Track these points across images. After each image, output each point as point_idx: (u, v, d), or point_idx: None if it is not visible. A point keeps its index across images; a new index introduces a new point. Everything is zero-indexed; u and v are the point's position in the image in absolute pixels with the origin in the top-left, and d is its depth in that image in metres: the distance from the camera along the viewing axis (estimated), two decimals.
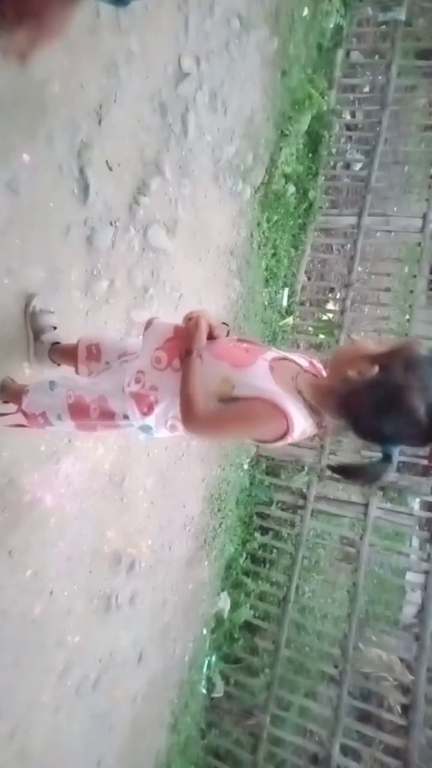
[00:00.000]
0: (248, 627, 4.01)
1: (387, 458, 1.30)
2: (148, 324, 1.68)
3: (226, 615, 3.89)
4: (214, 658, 3.88)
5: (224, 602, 3.89)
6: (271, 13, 3.57)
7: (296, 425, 1.32)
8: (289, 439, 1.35)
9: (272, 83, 3.73)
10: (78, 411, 1.67)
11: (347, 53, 4.61)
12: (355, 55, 4.73)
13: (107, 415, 1.61)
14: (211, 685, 3.83)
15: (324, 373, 1.47)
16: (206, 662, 3.82)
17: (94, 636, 2.72)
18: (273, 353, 1.48)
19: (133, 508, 2.89)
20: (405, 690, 3.79)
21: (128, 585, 2.92)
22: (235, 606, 3.93)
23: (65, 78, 2.17)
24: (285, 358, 1.47)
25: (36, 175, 2.10)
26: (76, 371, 1.91)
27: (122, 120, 2.47)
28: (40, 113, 2.09)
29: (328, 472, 4.02)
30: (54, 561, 2.40)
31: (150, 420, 1.55)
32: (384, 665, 4.29)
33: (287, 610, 3.95)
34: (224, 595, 3.91)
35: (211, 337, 1.53)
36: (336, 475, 1.42)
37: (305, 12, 3.97)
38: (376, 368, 1.26)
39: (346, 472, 1.43)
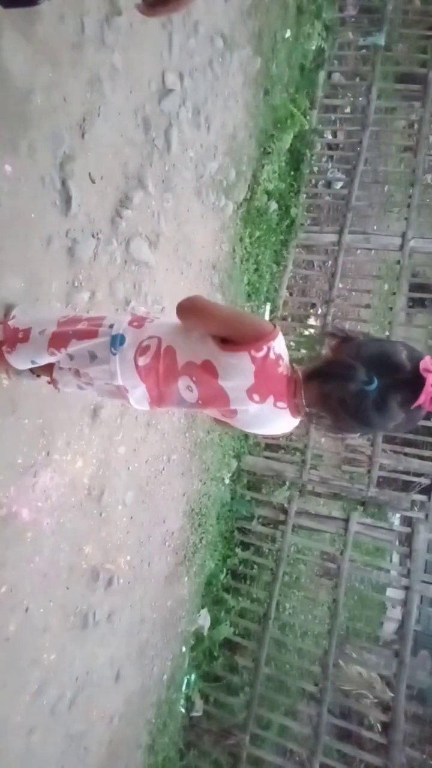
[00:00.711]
0: (228, 644, 3.97)
1: (367, 381, 1.18)
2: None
3: (205, 632, 3.84)
4: (193, 677, 3.82)
5: (204, 619, 3.84)
6: (254, 33, 3.63)
7: (279, 341, 1.32)
8: (267, 343, 1.30)
9: (255, 101, 3.79)
10: (65, 324, 1.63)
11: (329, 75, 4.71)
12: (337, 77, 4.84)
13: (94, 324, 1.57)
14: (189, 704, 3.77)
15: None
16: (185, 681, 3.76)
17: (70, 654, 2.66)
18: None
19: (112, 523, 2.85)
20: (385, 707, 3.77)
21: (106, 602, 2.87)
22: (215, 623, 3.88)
23: (48, 91, 2.17)
24: None
25: (18, 186, 2.09)
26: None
27: (106, 134, 2.48)
28: (22, 125, 2.08)
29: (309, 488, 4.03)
30: (30, 577, 2.35)
31: (130, 332, 1.50)
32: (364, 682, 4.26)
33: (268, 627, 3.91)
34: (204, 612, 3.87)
35: None
36: (311, 379, 1.30)
37: (288, 34, 4.06)
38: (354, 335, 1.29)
39: (322, 371, 1.29)
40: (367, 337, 1.30)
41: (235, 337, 1.34)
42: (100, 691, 2.90)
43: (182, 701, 3.73)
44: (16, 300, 2.10)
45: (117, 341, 1.49)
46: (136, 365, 1.47)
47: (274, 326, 1.34)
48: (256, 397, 1.35)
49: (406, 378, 1.17)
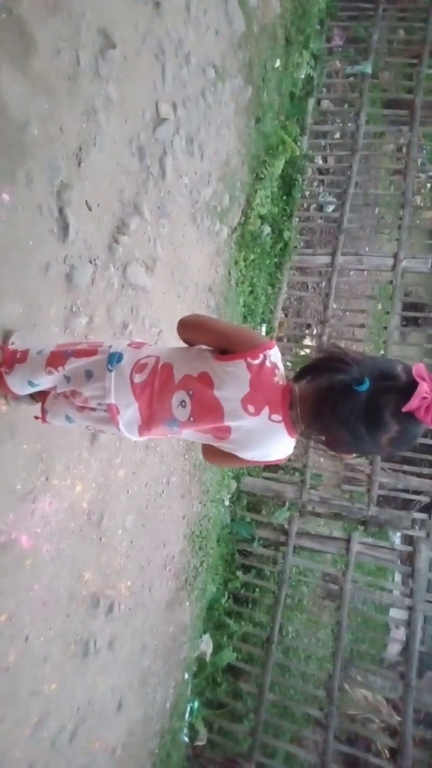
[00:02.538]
0: (231, 670, 3.90)
1: (359, 380, 1.14)
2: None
3: (208, 658, 3.78)
4: (196, 704, 3.75)
5: (206, 645, 3.78)
6: (245, 63, 3.73)
7: (276, 351, 1.34)
8: (264, 352, 1.32)
9: (247, 129, 3.88)
10: (64, 346, 1.65)
11: (318, 102, 4.83)
12: (326, 104, 4.96)
13: (93, 345, 1.60)
14: (193, 733, 3.69)
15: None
16: (188, 708, 3.68)
17: (70, 684, 2.61)
18: None
19: (112, 548, 2.82)
20: (392, 732, 3.70)
21: (107, 629, 2.83)
22: (217, 648, 3.83)
23: (45, 122, 2.21)
24: None
25: (16, 215, 2.12)
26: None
27: (101, 162, 2.53)
28: (20, 155, 2.12)
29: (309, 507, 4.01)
30: (29, 605, 2.31)
31: (129, 351, 1.52)
32: (370, 706, 4.19)
33: (271, 651, 3.86)
34: (206, 637, 3.81)
35: None
36: (301, 376, 1.27)
37: (277, 63, 4.17)
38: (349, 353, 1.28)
39: (312, 366, 1.26)
40: (358, 353, 1.28)
41: (232, 347, 1.36)
42: (101, 722, 2.84)
43: (185, 730, 3.65)
44: (14, 326, 2.12)
45: (114, 359, 1.51)
46: (132, 382, 1.47)
47: (271, 338, 1.37)
48: (250, 408, 1.34)
49: (399, 384, 1.14)
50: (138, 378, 1.47)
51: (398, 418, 1.13)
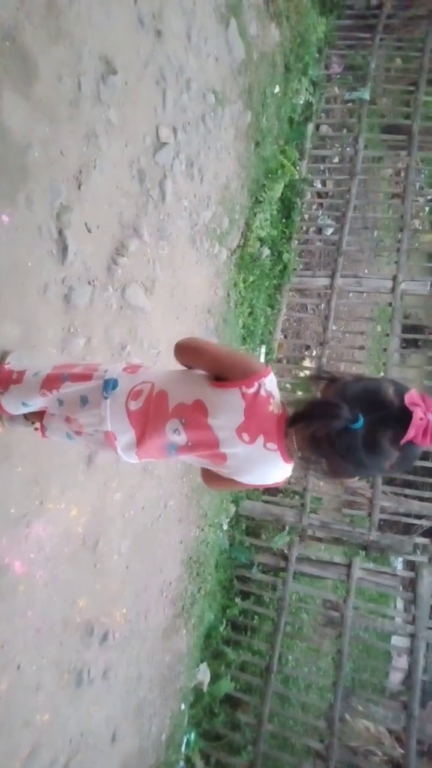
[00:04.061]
0: (229, 700, 3.80)
1: (352, 418, 1.13)
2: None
3: (205, 688, 3.69)
4: (193, 736, 3.64)
5: (204, 674, 3.69)
6: (244, 89, 3.78)
7: (271, 379, 1.32)
8: (258, 379, 1.30)
9: (246, 153, 3.92)
10: (60, 368, 1.63)
11: (317, 127, 4.90)
12: (325, 129, 5.03)
13: (89, 368, 1.58)
14: (189, 766, 3.58)
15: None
16: (185, 740, 3.58)
17: (64, 714, 2.54)
18: None
19: (107, 573, 2.77)
20: (395, 765, 3.59)
21: (101, 657, 2.76)
22: (215, 678, 3.74)
23: (46, 145, 2.23)
24: None
25: (15, 236, 2.13)
26: None
27: (102, 185, 2.54)
28: (21, 178, 2.14)
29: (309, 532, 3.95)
30: (22, 632, 2.26)
31: (124, 377, 1.51)
32: (372, 738, 4.08)
33: (270, 680, 3.76)
34: (204, 666, 3.72)
35: None
36: (294, 423, 1.26)
37: (277, 89, 4.23)
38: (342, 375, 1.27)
39: (304, 413, 1.24)
40: (353, 376, 1.26)
41: (227, 373, 1.34)
42: (95, 754, 2.75)
43: (182, 763, 3.55)
44: (12, 347, 2.11)
45: (109, 385, 1.49)
46: (128, 410, 1.45)
47: (267, 365, 1.35)
48: (245, 436, 1.32)
49: (393, 414, 1.12)
50: (134, 405, 1.45)
51: (397, 446, 1.13)
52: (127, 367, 1.55)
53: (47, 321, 2.30)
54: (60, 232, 2.33)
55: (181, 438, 1.40)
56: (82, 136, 2.43)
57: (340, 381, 1.24)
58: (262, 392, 1.31)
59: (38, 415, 1.98)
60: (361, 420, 1.13)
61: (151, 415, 1.43)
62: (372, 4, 5.11)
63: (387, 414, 1.13)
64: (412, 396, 1.13)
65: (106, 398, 1.48)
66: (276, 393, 1.34)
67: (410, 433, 1.09)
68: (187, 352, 1.44)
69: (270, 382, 1.33)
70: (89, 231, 2.51)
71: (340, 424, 1.14)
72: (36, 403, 1.70)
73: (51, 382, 1.61)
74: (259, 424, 1.31)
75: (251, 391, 1.30)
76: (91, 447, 1.70)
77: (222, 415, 1.33)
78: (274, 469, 1.37)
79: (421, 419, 1.09)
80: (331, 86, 5.06)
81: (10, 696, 2.22)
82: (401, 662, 4.30)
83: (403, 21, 4.99)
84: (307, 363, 4.93)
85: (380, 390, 1.17)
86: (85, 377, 1.55)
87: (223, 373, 1.35)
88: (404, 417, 1.10)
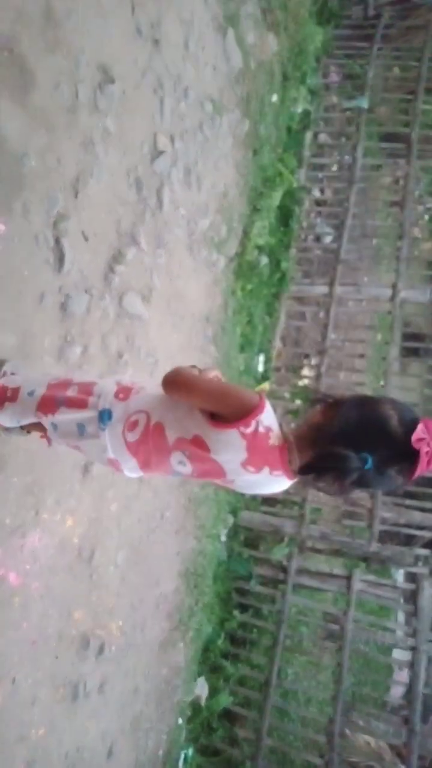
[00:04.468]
0: (227, 715, 3.75)
1: (361, 461, 1.19)
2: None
3: (203, 702, 3.64)
4: (190, 751, 3.59)
5: (201, 688, 3.64)
6: (242, 98, 3.79)
7: (266, 412, 1.30)
8: (255, 418, 1.28)
9: (244, 161, 3.92)
10: (55, 388, 1.61)
11: (315, 135, 4.90)
12: (323, 137, 5.03)
13: (83, 393, 1.55)
14: None
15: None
16: (182, 756, 3.52)
17: (59, 728, 2.50)
18: None
19: (103, 585, 2.73)
20: None
21: (97, 671, 2.72)
22: (213, 692, 3.68)
23: (43, 154, 2.23)
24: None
25: (11, 245, 2.12)
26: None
27: (99, 193, 2.53)
28: (17, 186, 2.13)
29: (308, 545, 3.91)
30: (17, 645, 2.24)
31: (117, 406, 1.49)
32: (373, 753, 4.02)
33: (269, 695, 3.71)
34: (201, 680, 3.67)
35: None
36: (304, 474, 1.31)
37: (275, 98, 4.24)
38: (342, 398, 1.30)
39: (314, 466, 1.28)
40: (352, 399, 1.29)
41: (221, 412, 1.33)
42: None
43: None
44: (8, 356, 2.09)
45: (105, 417, 1.48)
46: (126, 441, 1.46)
47: (260, 397, 1.31)
48: (251, 468, 1.34)
49: (400, 450, 1.17)
50: (131, 437, 1.45)
51: (405, 475, 1.20)
52: (119, 391, 1.51)
53: (44, 330, 2.28)
54: (57, 241, 2.31)
55: (186, 469, 1.42)
56: (79, 144, 2.42)
57: (341, 409, 1.26)
58: (261, 429, 1.30)
59: (35, 425, 1.96)
60: (370, 461, 1.18)
61: (152, 448, 1.43)
62: (369, 14, 5.14)
63: (394, 452, 1.18)
64: (419, 432, 1.16)
65: (103, 430, 1.48)
66: (275, 425, 1.33)
67: (418, 471, 1.16)
68: (178, 389, 1.42)
69: (267, 417, 1.31)
70: (86, 239, 2.49)
71: (351, 475, 1.19)
72: (30, 422, 1.69)
73: (46, 405, 1.59)
74: (263, 458, 1.32)
75: (250, 430, 1.29)
76: (95, 461, 1.72)
77: (224, 453, 1.34)
78: (281, 485, 1.41)
79: (427, 452, 1.15)
80: (330, 95, 5.07)
81: (5, 710, 2.19)
82: (402, 676, 4.24)
83: (401, 31, 5.02)
84: (306, 372, 4.90)
85: (384, 423, 1.21)
86: (80, 404, 1.53)
87: (217, 411, 1.34)
88: (411, 453, 1.15)
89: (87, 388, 1.56)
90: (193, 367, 1.51)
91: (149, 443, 1.42)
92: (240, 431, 1.29)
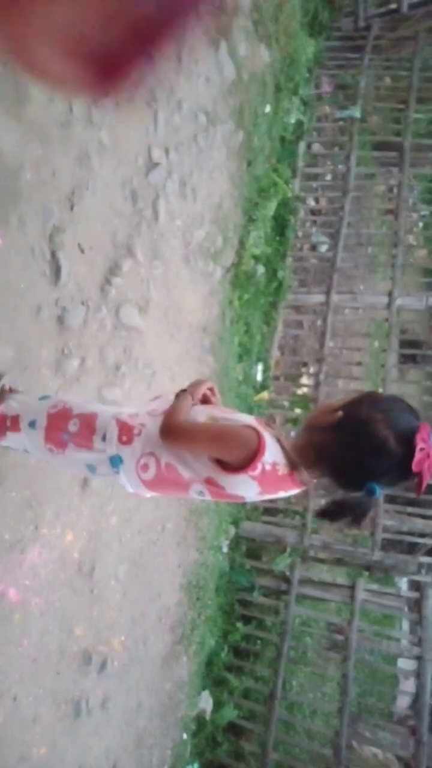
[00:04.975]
0: (232, 729, 3.70)
1: (370, 493, 1.24)
2: (156, 397, 1.71)
3: (208, 716, 3.58)
4: (195, 766, 3.53)
5: (206, 702, 3.59)
6: (235, 109, 3.81)
7: (268, 449, 1.31)
8: (260, 461, 1.31)
9: (239, 172, 3.93)
10: (56, 420, 1.60)
11: (309, 145, 4.93)
12: (316, 147, 5.06)
13: (86, 430, 1.55)
14: None
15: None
16: None
17: (61, 747, 2.46)
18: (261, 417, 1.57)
19: (104, 600, 2.70)
20: None
21: (99, 687, 2.68)
22: (217, 706, 3.63)
23: (38, 167, 2.23)
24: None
25: (7, 258, 2.11)
26: None
27: (94, 206, 2.54)
28: (12, 199, 2.13)
29: (312, 552, 3.88)
30: (18, 662, 2.21)
31: (125, 451, 1.50)
32: (380, 766, 3.96)
33: (274, 707, 3.66)
34: (205, 694, 3.62)
35: (206, 400, 1.57)
36: (321, 518, 1.35)
37: (268, 109, 4.27)
38: (340, 413, 1.30)
39: (330, 512, 1.31)
40: (346, 423, 1.28)
41: (224, 458, 1.36)
42: None
43: None
44: (5, 369, 2.08)
45: (117, 462, 1.52)
46: (142, 480, 1.49)
47: (258, 437, 1.32)
48: (267, 495, 1.40)
49: (403, 471, 1.21)
50: (146, 476, 1.49)
51: (413, 490, 1.24)
52: (121, 433, 1.51)
53: (41, 342, 2.27)
54: (53, 254, 2.31)
55: (206, 497, 1.47)
56: (74, 157, 2.43)
57: (337, 437, 1.30)
58: (267, 467, 1.32)
59: None
60: (377, 490, 1.22)
61: (170, 483, 1.48)
62: (360, 26, 5.19)
63: (398, 473, 1.23)
64: (418, 453, 1.18)
65: (118, 473, 1.52)
66: (279, 458, 1.34)
67: (424, 484, 1.21)
68: (178, 443, 1.44)
69: (270, 454, 1.32)
70: (82, 252, 2.49)
71: (367, 513, 1.25)
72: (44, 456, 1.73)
73: (55, 442, 1.60)
74: (276, 486, 1.37)
75: (257, 472, 1.32)
76: None
77: (239, 490, 1.38)
78: (293, 492, 1.47)
79: (429, 466, 1.19)
80: (322, 105, 5.11)
81: (6, 729, 2.15)
82: (408, 685, 4.19)
83: (391, 41, 5.07)
84: (304, 380, 4.89)
85: (382, 448, 1.22)
86: (87, 444, 1.54)
87: (221, 458, 1.37)
88: (413, 473, 1.20)
89: (89, 422, 1.55)
90: (183, 391, 1.51)
91: (165, 480, 1.46)
92: (249, 475, 1.32)
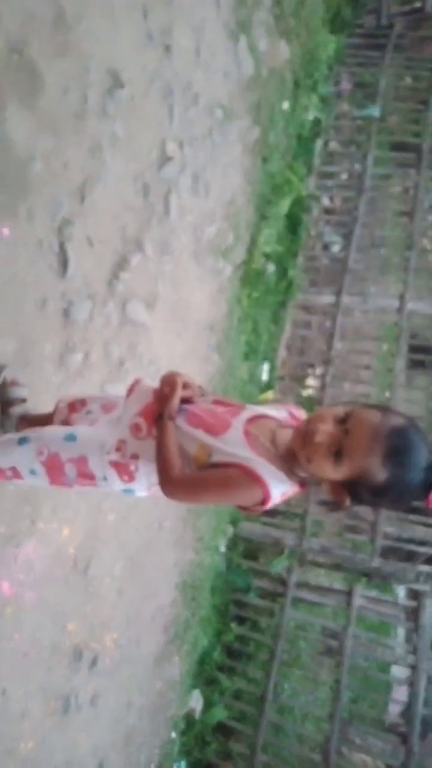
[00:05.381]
0: (222, 729, 3.69)
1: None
2: (134, 385, 1.62)
3: (197, 716, 3.58)
4: (183, 765, 3.53)
5: (196, 701, 3.59)
6: (253, 105, 3.76)
7: (273, 492, 1.29)
8: (270, 504, 1.31)
9: (253, 169, 3.88)
10: (52, 469, 1.57)
11: (325, 143, 4.87)
12: (333, 145, 5.00)
13: (86, 476, 1.53)
14: None
15: None
16: None
17: (49, 742, 2.45)
18: (248, 413, 1.45)
19: (99, 597, 2.69)
20: None
21: (90, 684, 2.67)
22: (208, 705, 3.63)
23: (49, 158, 2.21)
24: (261, 417, 1.44)
25: (15, 249, 2.09)
26: None
27: (105, 199, 2.51)
28: (22, 191, 2.10)
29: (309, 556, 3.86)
30: (8, 657, 2.19)
31: (132, 486, 1.51)
32: None
33: (265, 710, 3.65)
34: (196, 693, 3.62)
35: (186, 399, 1.49)
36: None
37: (285, 105, 4.21)
38: (347, 501, 1.28)
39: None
40: (369, 473, 1.22)
41: (235, 504, 1.40)
42: None
43: None
44: (7, 362, 2.06)
45: (129, 492, 1.54)
46: (149, 489, 1.53)
47: (263, 489, 1.28)
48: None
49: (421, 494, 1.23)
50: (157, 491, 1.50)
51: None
52: (121, 474, 1.48)
53: (45, 336, 2.25)
54: (61, 246, 2.29)
55: None
56: (86, 149, 2.40)
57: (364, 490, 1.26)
58: (277, 499, 1.32)
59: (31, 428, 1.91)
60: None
61: None
62: (382, 24, 5.11)
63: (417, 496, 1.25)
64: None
65: (134, 495, 1.58)
66: (288, 488, 1.34)
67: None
68: (184, 501, 1.50)
69: (275, 487, 1.29)
70: (91, 245, 2.47)
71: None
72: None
73: (61, 483, 1.58)
74: (284, 498, 1.38)
75: (270, 504, 1.32)
76: None
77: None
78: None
79: None
80: (341, 103, 5.03)
81: None
82: (400, 694, 4.17)
83: (413, 41, 4.99)
84: (311, 381, 4.85)
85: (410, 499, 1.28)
86: (91, 483, 1.54)
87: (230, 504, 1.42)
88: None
89: (83, 469, 1.51)
90: (161, 417, 1.43)
91: None
92: (265, 508, 1.33)
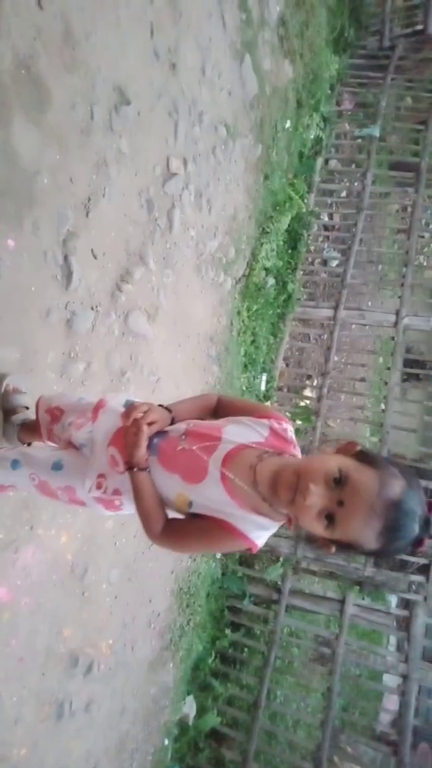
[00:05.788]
0: (215, 735, 3.70)
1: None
2: (98, 406, 1.54)
3: (191, 721, 3.59)
4: None
5: (189, 707, 3.60)
6: (256, 123, 3.84)
7: (258, 541, 1.29)
8: (255, 547, 1.30)
9: (255, 186, 3.96)
10: (46, 492, 1.64)
11: (326, 161, 4.96)
12: (334, 164, 5.09)
13: (76, 502, 1.58)
14: None
15: (293, 449, 1.36)
16: None
17: (42, 749, 2.46)
18: (225, 447, 1.31)
19: (95, 603, 2.71)
20: None
21: (84, 689, 2.69)
22: (201, 711, 3.64)
23: (55, 172, 2.25)
24: (239, 449, 1.31)
25: (20, 260, 2.13)
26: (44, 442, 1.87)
27: (109, 213, 2.56)
28: (28, 203, 2.15)
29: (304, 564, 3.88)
30: (4, 661, 2.21)
31: (121, 510, 1.53)
32: None
33: (257, 716, 3.67)
34: (190, 698, 3.63)
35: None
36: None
37: (288, 124, 4.29)
38: (333, 550, 1.22)
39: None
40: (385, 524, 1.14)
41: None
42: None
43: None
44: (10, 370, 2.10)
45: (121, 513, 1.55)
46: None
47: (248, 544, 1.27)
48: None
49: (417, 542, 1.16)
50: None
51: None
52: (107, 508, 1.51)
53: (47, 345, 2.29)
54: (65, 258, 2.33)
55: None
56: (92, 164, 2.45)
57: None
58: (260, 542, 1.30)
59: (35, 433, 1.96)
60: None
61: None
62: (385, 46, 5.22)
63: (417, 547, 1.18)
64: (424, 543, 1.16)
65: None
66: (272, 529, 1.31)
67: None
68: (171, 551, 1.44)
69: (261, 538, 1.29)
70: (95, 257, 2.51)
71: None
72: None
73: (54, 499, 1.63)
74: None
75: (256, 551, 1.31)
76: None
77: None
78: None
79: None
80: (342, 122, 5.13)
81: None
82: (391, 702, 4.19)
83: (414, 62, 5.09)
84: (307, 392, 4.91)
85: (407, 539, 1.14)
86: (82, 505, 1.57)
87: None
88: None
89: (72, 497, 1.56)
90: (132, 469, 1.35)
91: None
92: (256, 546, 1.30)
